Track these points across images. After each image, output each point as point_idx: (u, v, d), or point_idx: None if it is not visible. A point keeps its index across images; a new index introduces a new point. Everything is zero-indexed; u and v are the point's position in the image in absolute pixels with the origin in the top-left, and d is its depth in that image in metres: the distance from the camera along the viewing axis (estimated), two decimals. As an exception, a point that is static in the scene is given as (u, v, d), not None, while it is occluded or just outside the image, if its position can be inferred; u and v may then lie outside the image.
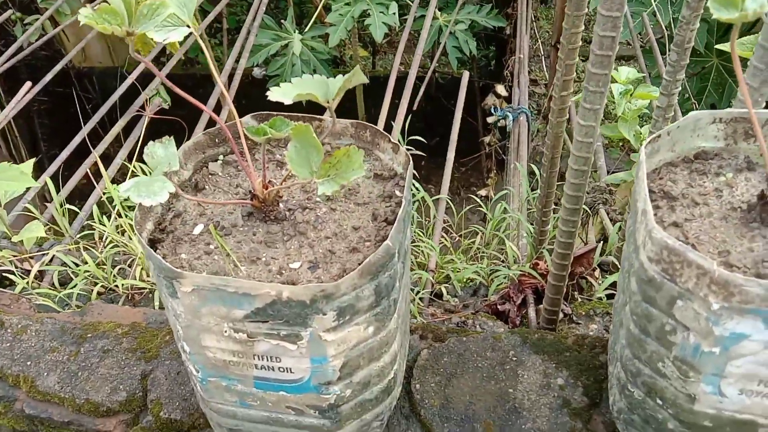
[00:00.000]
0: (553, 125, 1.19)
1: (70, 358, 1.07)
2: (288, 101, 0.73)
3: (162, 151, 0.73)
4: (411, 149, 1.43)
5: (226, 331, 0.78)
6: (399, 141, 1.55)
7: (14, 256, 1.40)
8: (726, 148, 0.89)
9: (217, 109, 2.17)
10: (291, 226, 0.85)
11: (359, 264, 0.78)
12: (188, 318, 0.79)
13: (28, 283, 1.28)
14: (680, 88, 1.10)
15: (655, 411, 0.84)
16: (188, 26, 0.75)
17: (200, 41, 0.78)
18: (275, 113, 0.91)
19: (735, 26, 0.65)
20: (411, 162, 0.88)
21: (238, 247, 0.83)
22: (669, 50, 2.44)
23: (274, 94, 0.73)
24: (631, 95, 1.42)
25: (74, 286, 1.27)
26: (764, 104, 0.95)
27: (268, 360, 0.81)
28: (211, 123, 1.96)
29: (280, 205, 0.86)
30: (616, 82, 1.45)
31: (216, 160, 0.94)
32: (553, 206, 1.37)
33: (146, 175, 1.60)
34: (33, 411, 1.03)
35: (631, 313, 0.81)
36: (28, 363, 1.07)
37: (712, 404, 0.78)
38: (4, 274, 1.33)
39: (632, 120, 1.42)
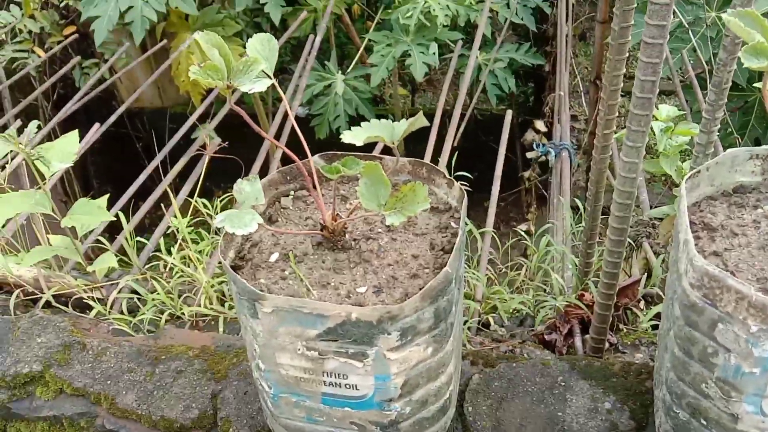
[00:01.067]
0: (596, 161, 1.28)
1: (146, 378, 1.18)
2: (359, 143, 0.84)
3: (249, 188, 0.84)
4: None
5: (299, 350, 0.88)
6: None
7: (87, 286, 1.52)
8: (763, 183, 0.96)
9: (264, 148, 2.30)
10: (356, 255, 0.95)
11: (420, 289, 0.88)
12: (266, 337, 0.88)
13: (104, 309, 1.40)
14: (720, 125, 1.17)
15: (699, 431, 0.90)
16: (271, 78, 0.87)
17: (280, 91, 0.89)
18: (339, 153, 1.02)
19: (766, 73, 0.73)
20: (465, 196, 0.97)
21: (309, 273, 0.93)
22: (709, 84, 2.51)
23: (347, 136, 0.84)
24: (672, 132, 1.49)
25: (144, 313, 1.39)
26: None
27: (336, 377, 0.90)
28: (265, 162, 2.09)
29: (346, 235, 0.96)
30: (657, 119, 1.53)
31: (287, 195, 1.05)
32: (597, 239, 1.44)
33: (207, 209, 1.72)
34: (113, 426, 1.14)
35: (675, 337, 0.88)
36: (108, 382, 1.18)
37: (754, 424, 0.83)
38: (81, 301, 1.45)
39: (673, 155, 1.49)
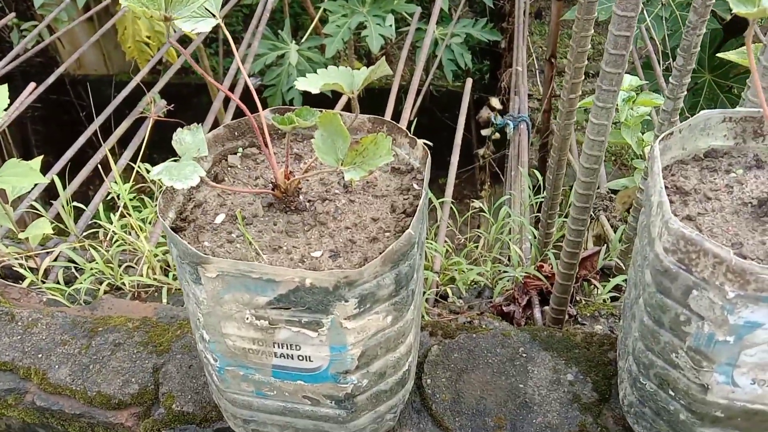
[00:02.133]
0: (560, 127, 1.22)
1: (82, 351, 1.07)
2: (315, 90, 0.75)
3: (190, 138, 0.75)
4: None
5: (247, 318, 0.79)
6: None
7: (19, 254, 1.39)
8: (735, 147, 0.92)
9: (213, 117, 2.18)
10: (311, 217, 0.86)
11: (380, 253, 0.80)
12: (210, 305, 0.79)
13: (36, 278, 1.28)
14: (686, 93, 1.13)
15: (666, 402, 0.86)
16: (215, 16, 0.77)
17: (225, 31, 0.79)
18: (294, 107, 0.93)
19: (752, 21, 0.67)
20: (429, 156, 0.89)
21: (259, 237, 0.84)
22: (662, 64, 2.50)
23: (302, 84, 0.75)
24: (633, 102, 1.45)
25: (81, 283, 1.27)
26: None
27: (287, 348, 0.82)
28: (214, 125, 1.97)
29: (300, 196, 0.88)
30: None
31: (235, 153, 0.96)
32: (558, 210, 1.39)
33: (149, 173, 1.61)
34: (44, 403, 1.03)
35: (645, 305, 0.83)
36: (39, 356, 1.07)
37: (724, 394, 0.79)
38: (12, 270, 1.32)
39: (635, 126, 1.45)
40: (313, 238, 0.84)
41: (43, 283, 1.32)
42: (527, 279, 1.37)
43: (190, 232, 0.84)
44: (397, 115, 1.98)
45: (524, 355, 1.05)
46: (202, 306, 0.80)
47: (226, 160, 0.95)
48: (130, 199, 1.48)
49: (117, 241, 1.38)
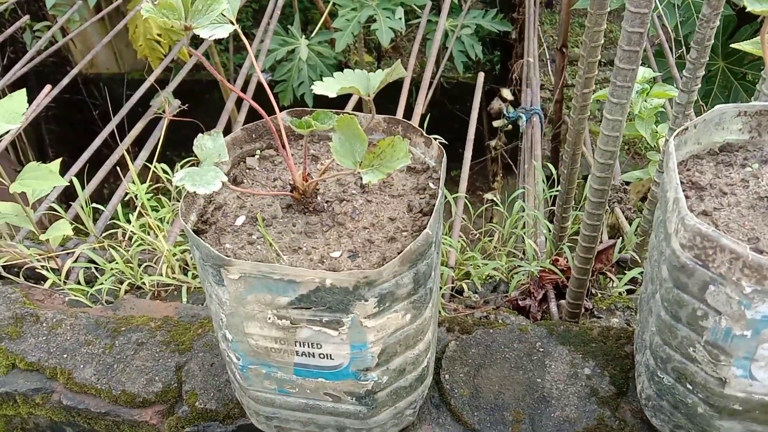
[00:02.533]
0: (574, 122, 1.22)
1: (105, 350, 1.10)
2: (332, 94, 0.76)
3: (211, 143, 0.76)
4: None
5: (269, 318, 0.81)
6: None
7: (41, 255, 1.42)
8: (751, 141, 0.92)
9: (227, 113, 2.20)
10: (329, 217, 0.88)
11: (398, 253, 0.81)
12: (233, 306, 0.81)
13: (59, 279, 1.31)
14: (700, 85, 1.13)
15: (684, 396, 0.87)
16: (233, 23, 0.78)
17: (243, 38, 0.81)
18: (310, 109, 0.94)
19: (767, 18, 0.68)
20: (444, 155, 0.90)
21: (279, 238, 0.85)
22: (675, 51, 2.48)
23: (319, 87, 0.76)
24: (647, 94, 1.45)
25: (102, 283, 1.30)
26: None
27: (309, 347, 0.83)
28: (227, 128, 1.99)
29: (318, 197, 0.89)
30: (632, 81, 1.48)
31: (253, 155, 0.97)
32: (573, 204, 1.40)
33: (167, 174, 1.63)
34: (70, 402, 1.06)
35: (662, 300, 0.84)
36: (65, 356, 1.09)
37: (742, 388, 0.80)
38: (34, 271, 1.35)
39: (649, 118, 1.45)
40: (332, 239, 0.85)
41: (65, 283, 1.35)
42: (543, 273, 1.37)
43: (212, 234, 0.86)
44: (409, 108, 1.99)
45: (541, 349, 1.07)
46: (225, 306, 0.82)
47: (245, 162, 0.97)
48: (148, 200, 1.50)
49: (136, 241, 1.40)
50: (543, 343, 1.08)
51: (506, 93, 3.30)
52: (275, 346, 0.84)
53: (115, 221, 1.50)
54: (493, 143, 3.56)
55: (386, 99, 2.05)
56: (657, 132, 1.47)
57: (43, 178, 1.35)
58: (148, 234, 1.44)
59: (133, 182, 1.51)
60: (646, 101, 1.45)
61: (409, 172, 0.95)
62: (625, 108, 0.95)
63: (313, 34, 3.36)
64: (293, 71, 3.30)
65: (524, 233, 1.51)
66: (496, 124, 3.24)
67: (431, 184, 0.92)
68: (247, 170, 0.96)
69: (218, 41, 4.14)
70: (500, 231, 1.60)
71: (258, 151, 0.98)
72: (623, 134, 1.67)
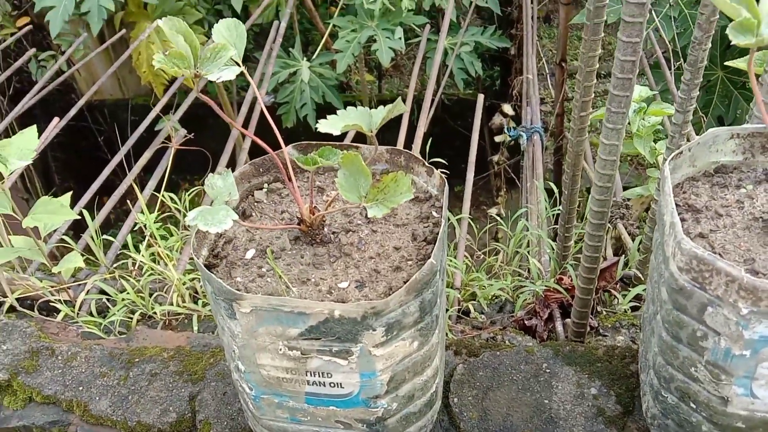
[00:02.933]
0: (573, 144, 1.25)
1: (120, 382, 1.12)
2: (336, 132, 0.79)
3: (221, 182, 0.80)
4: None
5: (280, 349, 0.84)
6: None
7: (53, 287, 1.45)
8: (744, 162, 0.95)
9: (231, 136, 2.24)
10: (336, 248, 0.91)
11: (404, 282, 0.84)
12: (245, 338, 0.84)
13: (72, 311, 1.34)
14: (695, 105, 1.16)
15: (689, 415, 0.89)
16: (240, 65, 0.82)
17: (249, 78, 0.84)
18: (314, 143, 0.98)
19: (752, 50, 0.71)
20: (446, 184, 0.93)
21: (288, 270, 0.88)
22: (674, 64, 2.52)
23: (323, 126, 0.79)
24: (645, 112, 1.48)
25: (114, 314, 1.33)
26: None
27: (319, 376, 0.86)
28: (232, 153, 2.02)
29: (325, 228, 0.92)
30: (629, 100, 1.51)
31: (261, 189, 1.00)
32: (575, 222, 1.43)
33: (174, 203, 1.66)
34: (86, 434, 1.08)
35: (662, 322, 0.86)
36: (80, 388, 1.12)
37: (744, 406, 0.82)
38: (48, 304, 1.38)
39: (647, 136, 1.47)
40: (339, 269, 0.88)
41: (78, 315, 1.38)
42: (547, 292, 1.40)
43: (223, 268, 0.89)
44: (411, 126, 2.02)
45: (548, 370, 1.09)
46: (237, 339, 0.85)
47: (253, 195, 1.00)
48: (157, 228, 1.54)
49: (146, 270, 1.43)
50: (549, 364, 1.10)
51: (507, 108, 3.34)
52: (287, 376, 0.87)
53: (124, 251, 1.54)
54: (495, 158, 3.59)
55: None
56: (656, 149, 1.50)
57: (54, 213, 1.39)
58: (158, 263, 1.47)
59: (142, 212, 1.54)
60: (644, 119, 1.48)
61: (412, 201, 0.98)
62: (621, 133, 0.97)
63: (314, 56, 3.42)
64: (295, 93, 3.35)
65: (528, 252, 1.54)
66: (498, 139, 3.27)
67: (434, 213, 0.95)
68: (256, 203, 0.99)
69: (220, 64, 4.19)
70: (505, 250, 1.62)
71: (266, 185, 1.01)
72: (623, 151, 1.70)
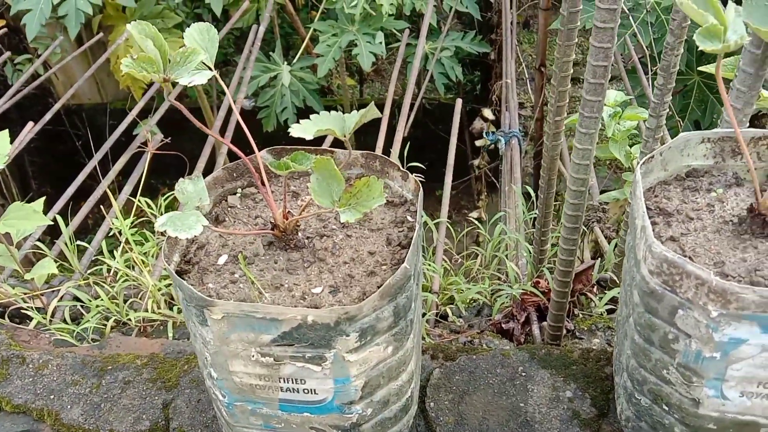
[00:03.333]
0: (548, 149, 1.26)
1: (92, 390, 1.11)
2: (309, 137, 0.79)
3: (192, 187, 0.79)
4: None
5: (253, 356, 0.83)
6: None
7: (26, 294, 1.43)
8: (715, 166, 0.96)
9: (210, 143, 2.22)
10: (310, 254, 0.90)
11: (378, 287, 0.84)
12: (217, 345, 0.83)
13: (44, 318, 1.32)
14: (667, 110, 1.17)
15: (661, 417, 0.89)
16: (211, 69, 0.81)
17: (222, 84, 0.83)
18: (288, 147, 0.97)
19: (719, 56, 0.72)
20: (421, 189, 0.93)
21: (261, 275, 0.87)
22: (651, 69, 2.54)
23: (296, 130, 0.79)
24: (619, 117, 1.49)
25: (88, 321, 1.31)
26: (748, 124, 1.03)
27: (293, 382, 0.85)
28: (211, 156, 2.01)
29: (299, 233, 0.92)
30: (605, 105, 1.53)
31: (234, 194, 1.00)
32: (551, 226, 1.43)
33: (151, 209, 1.64)
34: (57, 444, 1.07)
35: (635, 324, 0.87)
36: (51, 397, 1.10)
37: (715, 407, 0.83)
38: (19, 311, 1.36)
39: (622, 140, 1.49)
40: (313, 275, 0.87)
41: (51, 322, 1.36)
42: (524, 296, 1.40)
43: (195, 274, 0.88)
44: (391, 129, 2.02)
45: (524, 374, 1.09)
46: (209, 346, 0.84)
47: (226, 200, 0.99)
48: (132, 234, 1.52)
49: (121, 276, 1.41)
50: (525, 368, 1.10)
51: (487, 113, 3.36)
52: (260, 383, 0.86)
53: (99, 257, 1.52)
54: (476, 162, 3.60)
55: (368, 122, 2.09)
56: (631, 153, 1.52)
57: (27, 218, 1.37)
58: (133, 269, 1.46)
59: (117, 218, 1.53)
60: (619, 124, 1.49)
61: (387, 206, 0.98)
62: (593, 137, 0.98)
63: (294, 60, 3.41)
64: (276, 97, 3.34)
65: (506, 255, 1.54)
66: (478, 143, 3.28)
67: (409, 217, 0.95)
68: (229, 208, 0.98)
69: (200, 68, 4.16)
70: (483, 254, 1.63)
71: (239, 190, 1.01)
72: (600, 156, 1.71)
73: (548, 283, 1.40)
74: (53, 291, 1.47)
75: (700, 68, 1.32)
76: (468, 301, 1.47)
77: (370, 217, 0.96)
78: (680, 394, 0.85)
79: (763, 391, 0.79)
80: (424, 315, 1.39)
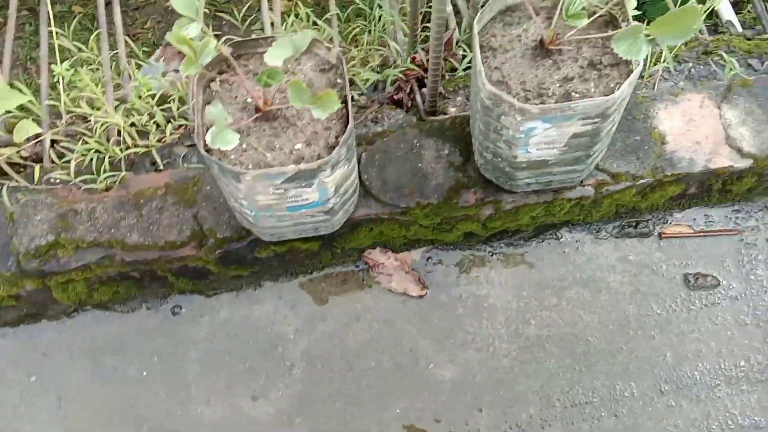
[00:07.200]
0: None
1: (138, 219, 1.88)
2: (279, 63, 1.48)
3: (216, 111, 1.49)
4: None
5: (270, 191, 1.64)
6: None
7: (18, 151, 2.06)
8: (524, 2, 1.73)
9: None
10: (284, 121, 1.65)
11: (336, 137, 1.63)
12: (247, 191, 1.63)
13: (50, 168, 1.99)
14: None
15: (498, 163, 1.82)
16: None
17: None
18: (246, 39, 1.63)
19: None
20: (343, 58, 1.66)
21: (259, 141, 1.63)
22: None
23: (269, 58, 1.48)
24: None
25: (105, 171, 2.00)
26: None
27: (295, 198, 1.68)
28: None
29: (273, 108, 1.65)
30: None
31: (214, 80, 1.68)
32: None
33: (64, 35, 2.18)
34: (130, 258, 1.88)
35: (480, 119, 1.73)
36: (112, 230, 1.87)
37: (525, 158, 1.76)
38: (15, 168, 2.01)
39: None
40: (291, 135, 1.64)
41: (52, 169, 2.03)
42: (407, 72, 2.21)
43: (216, 151, 1.63)
44: None
45: (418, 144, 1.97)
46: (241, 191, 1.63)
47: (210, 87, 1.68)
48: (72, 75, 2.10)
49: (96, 122, 2.06)
50: (419, 139, 1.97)
51: None
52: (274, 202, 1.69)
53: (52, 101, 2.11)
54: None
55: None
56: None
57: (7, 98, 1.94)
58: (95, 109, 2.09)
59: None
60: None
61: (321, 72, 1.70)
62: (445, -4, 1.70)
63: None
64: None
65: (387, 36, 2.28)
66: None
67: (338, 80, 1.69)
68: (214, 93, 1.68)
69: None
70: (369, 30, 2.35)
71: (217, 77, 1.68)
72: None
73: (422, 58, 2.20)
74: (37, 142, 2.10)
75: None
76: (365, 80, 2.26)
77: (311, 83, 1.69)
78: (507, 153, 1.76)
79: (544, 147, 1.72)
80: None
